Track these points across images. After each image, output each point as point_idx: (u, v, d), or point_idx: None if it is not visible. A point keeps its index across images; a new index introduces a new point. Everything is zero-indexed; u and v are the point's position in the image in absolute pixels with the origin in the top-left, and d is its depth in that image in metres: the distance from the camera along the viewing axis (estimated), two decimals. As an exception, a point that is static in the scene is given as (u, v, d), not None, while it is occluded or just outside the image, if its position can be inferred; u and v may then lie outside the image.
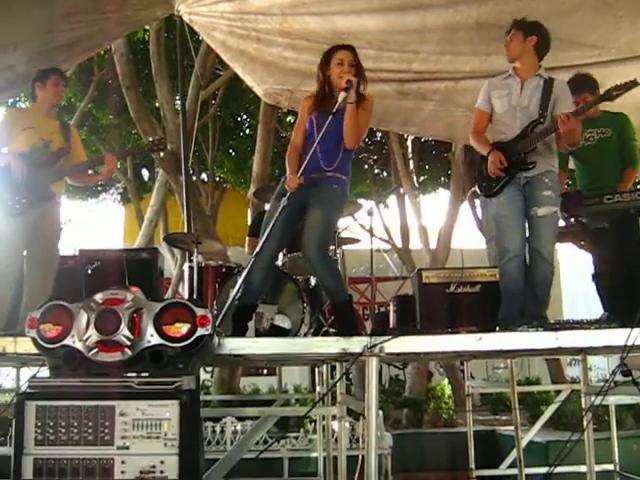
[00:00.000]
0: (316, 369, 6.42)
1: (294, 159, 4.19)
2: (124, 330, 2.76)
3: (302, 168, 3.94)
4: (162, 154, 8.51)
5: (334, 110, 3.94)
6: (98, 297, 2.85)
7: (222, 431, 8.07)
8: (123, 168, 14.33)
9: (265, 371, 12.91)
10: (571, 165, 5.52)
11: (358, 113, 4.07)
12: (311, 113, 4.23)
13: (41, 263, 4.60)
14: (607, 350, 4.47)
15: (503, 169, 4.31)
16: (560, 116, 4.13)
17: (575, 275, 14.95)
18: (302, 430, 8.22)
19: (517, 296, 4.22)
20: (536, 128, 4.30)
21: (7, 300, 4.48)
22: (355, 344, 3.16)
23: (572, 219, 4.89)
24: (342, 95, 3.94)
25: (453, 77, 6.31)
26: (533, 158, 4.30)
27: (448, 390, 11.17)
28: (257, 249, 3.88)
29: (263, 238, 3.89)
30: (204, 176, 15.35)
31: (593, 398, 4.66)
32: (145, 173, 16.04)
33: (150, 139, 5.12)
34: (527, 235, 4.35)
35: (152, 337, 2.79)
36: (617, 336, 3.27)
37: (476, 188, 4.75)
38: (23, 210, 4.55)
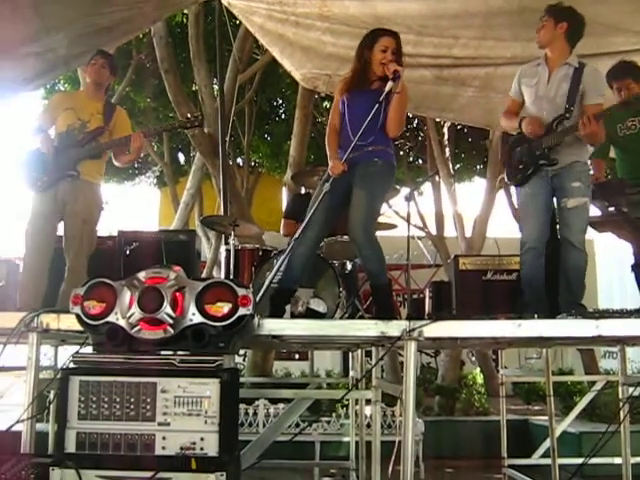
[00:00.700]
0: (350, 354, 6.42)
1: (334, 140, 4.24)
2: (167, 308, 2.79)
3: (345, 155, 3.96)
4: (200, 130, 8.50)
5: (380, 99, 3.95)
6: (141, 275, 2.89)
7: (255, 414, 8.15)
8: (160, 151, 14.41)
9: (297, 356, 12.99)
10: (612, 154, 5.45)
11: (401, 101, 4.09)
12: (343, 94, 4.25)
13: (74, 241, 4.61)
14: (647, 340, 4.43)
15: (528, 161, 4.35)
16: (582, 119, 4.10)
17: (611, 266, 14.79)
18: (334, 415, 8.26)
19: (532, 287, 4.27)
20: (561, 124, 4.27)
21: (44, 275, 4.53)
22: (394, 328, 3.16)
23: (613, 208, 4.83)
24: (389, 85, 3.95)
25: (493, 63, 6.25)
26: (559, 152, 4.27)
27: (480, 379, 11.13)
28: (298, 233, 3.90)
29: (305, 223, 3.91)
30: (239, 161, 15.39)
31: (631, 389, 4.63)
32: (181, 157, 16.11)
33: (188, 115, 5.11)
34: (556, 225, 4.37)
35: (194, 316, 2.82)
36: (658, 326, 3.25)
37: (505, 176, 4.74)
38: (46, 187, 4.63)
